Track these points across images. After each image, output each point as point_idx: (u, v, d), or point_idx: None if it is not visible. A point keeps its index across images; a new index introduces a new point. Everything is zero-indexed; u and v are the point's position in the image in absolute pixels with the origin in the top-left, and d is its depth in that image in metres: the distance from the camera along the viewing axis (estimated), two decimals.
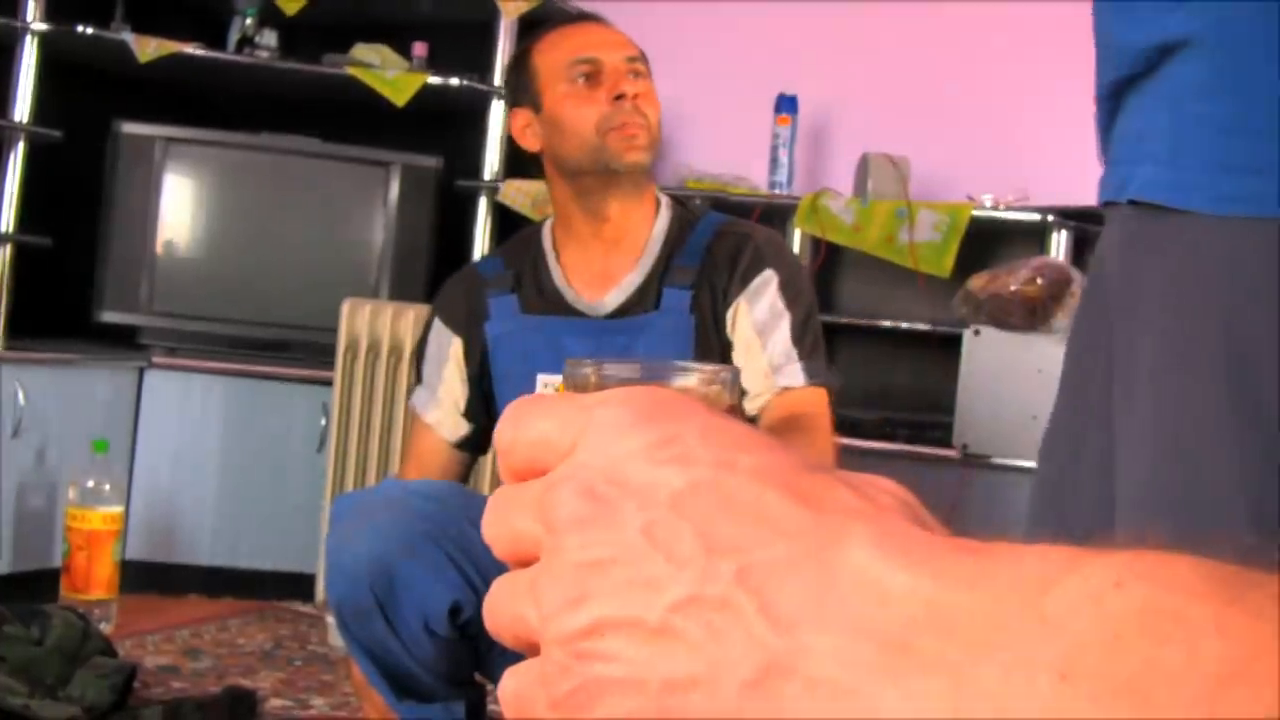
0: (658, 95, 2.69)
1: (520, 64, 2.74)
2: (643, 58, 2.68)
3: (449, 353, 2.73)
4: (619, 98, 2.59)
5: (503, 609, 0.50)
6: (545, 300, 2.70)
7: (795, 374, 2.55)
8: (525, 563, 0.50)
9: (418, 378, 2.80)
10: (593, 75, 2.61)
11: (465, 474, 2.83)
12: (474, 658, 2.51)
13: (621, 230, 2.68)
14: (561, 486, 0.49)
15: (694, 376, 0.56)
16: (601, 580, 0.46)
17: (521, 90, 2.72)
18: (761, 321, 2.59)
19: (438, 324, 2.76)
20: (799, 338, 2.59)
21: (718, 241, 2.66)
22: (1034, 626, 0.40)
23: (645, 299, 2.65)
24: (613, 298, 2.67)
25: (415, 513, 2.41)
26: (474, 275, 2.80)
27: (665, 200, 2.76)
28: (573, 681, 0.46)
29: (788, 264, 2.68)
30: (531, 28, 5.02)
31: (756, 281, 2.61)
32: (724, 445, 0.48)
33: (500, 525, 0.51)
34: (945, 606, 0.42)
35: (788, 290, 2.61)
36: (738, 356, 2.58)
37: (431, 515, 2.41)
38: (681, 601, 0.45)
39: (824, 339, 2.67)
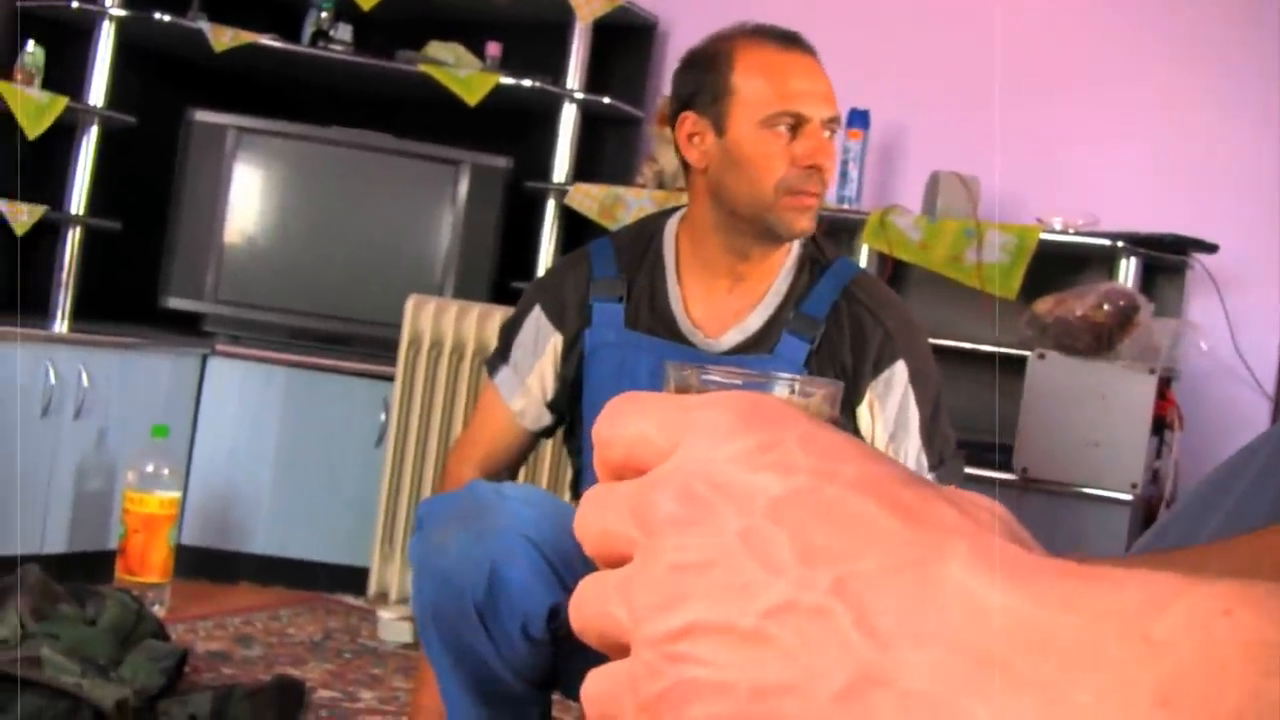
0: None
1: (714, 68, 2.53)
2: (837, 110, 2.53)
3: (547, 346, 2.64)
4: (811, 167, 2.46)
5: (591, 607, 0.50)
6: (656, 319, 2.60)
7: None
8: (616, 562, 0.50)
9: (503, 354, 2.70)
10: (794, 129, 2.46)
11: (528, 456, 2.80)
12: (556, 665, 2.46)
13: (753, 271, 2.59)
14: (659, 487, 0.48)
15: (796, 386, 0.56)
16: (696, 583, 0.46)
17: (706, 97, 2.53)
18: (893, 424, 2.55)
19: (538, 312, 2.66)
20: (928, 439, 2.57)
21: (846, 304, 2.57)
22: (1136, 650, 0.40)
23: (763, 342, 2.56)
24: (730, 338, 2.58)
25: (513, 516, 2.35)
26: (585, 270, 2.65)
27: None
28: (662, 684, 0.46)
29: (917, 349, 2.60)
30: (606, 31, 5.04)
31: (887, 374, 2.55)
32: (825, 454, 0.47)
33: (594, 523, 0.51)
34: (1042, 626, 0.41)
35: (917, 382, 2.56)
36: None
37: (528, 519, 2.35)
38: (776, 608, 0.45)
39: (947, 415, 2.63)
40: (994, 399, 4.17)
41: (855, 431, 2.56)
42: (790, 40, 2.54)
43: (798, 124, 2.46)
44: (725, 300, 2.60)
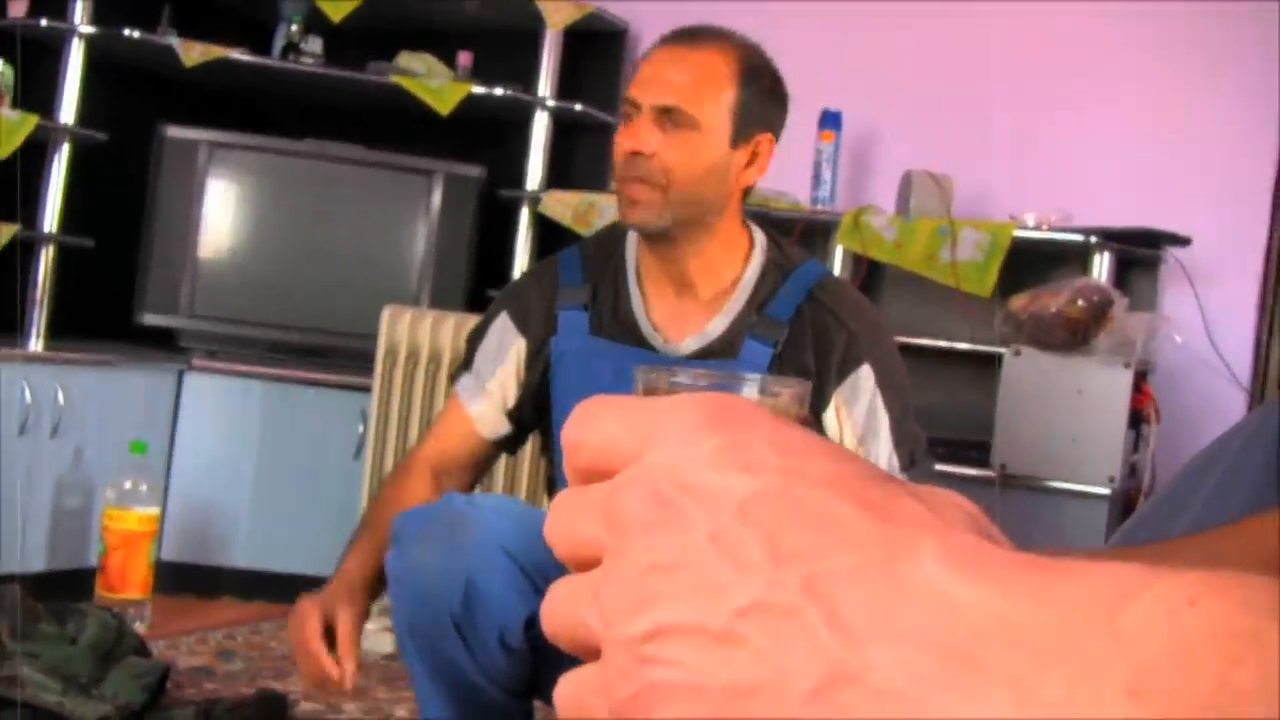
0: (705, 138, 2.45)
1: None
2: (688, 100, 2.43)
3: (510, 352, 2.63)
4: (630, 153, 2.44)
5: (562, 611, 0.50)
6: (618, 325, 2.58)
7: None
8: (586, 566, 0.50)
9: (468, 361, 2.69)
10: (630, 116, 2.46)
11: (487, 468, 2.77)
12: (535, 673, 2.46)
13: (688, 275, 2.55)
14: (628, 490, 0.48)
15: (764, 386, 0.56)
16: (666, 585, 0.46)
17: None
18: (861, 427, 2.52)
19: (504, 318, 2.65)
20: (899, 441, 2.53)
21: (810, 308, 2.53)
22: (1104, 641, 0.40)
23: (726, 347, 2.53)
24: (690, 343, 2.55)
25: (487, 528, 2.33)
26: (552, 278, 2.64)
27: (761, 243, 2.61)
28: (633, 686, 0.46)
29: (883, 351, 2.56)
30: (577, 38, 5.04)
31: (853, 378, 2.51)
32: (793, 453, 0.47)
33: (564, 527, 0.51)
34: (1012, 619, 0.41)
35: (884, 384, 2.53)
36: None
37: (503, 530, 2.33)
38: (746, 608, 0.44)
39: (914, 415, 2.60)
40: (971, 396, 4.17)
41: (822, 435, 2.51)
42: (678, 34, 2.53)
43: (633, 112, 2.45)
44: (684, 305, 2.58)
